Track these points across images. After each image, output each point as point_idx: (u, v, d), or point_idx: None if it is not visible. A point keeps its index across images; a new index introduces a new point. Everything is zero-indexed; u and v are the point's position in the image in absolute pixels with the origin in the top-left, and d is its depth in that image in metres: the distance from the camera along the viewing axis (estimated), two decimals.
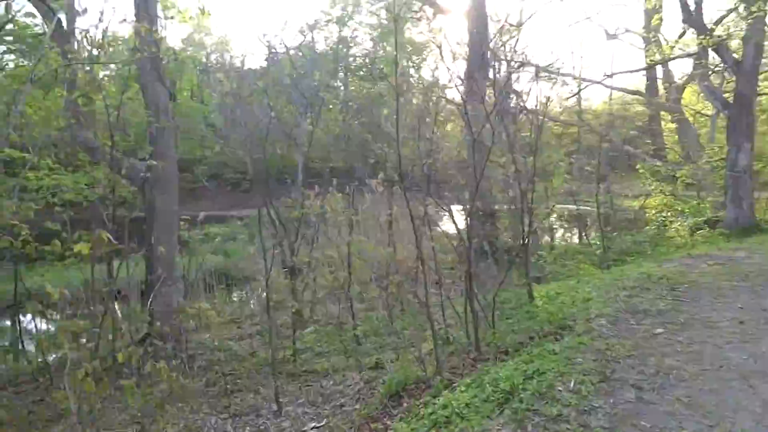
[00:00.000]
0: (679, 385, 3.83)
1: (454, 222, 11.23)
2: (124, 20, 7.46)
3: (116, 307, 8.14)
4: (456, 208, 13.76)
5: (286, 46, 26.17)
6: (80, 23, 8.83)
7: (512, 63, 14.45)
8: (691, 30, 16.64)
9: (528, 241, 7.31)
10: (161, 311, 7.77)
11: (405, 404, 4.70)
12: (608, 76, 18.79)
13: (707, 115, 23.45)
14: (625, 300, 5.85)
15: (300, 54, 27.18)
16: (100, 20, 7.05)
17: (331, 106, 24.05)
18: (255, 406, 6.00)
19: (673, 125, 23.10)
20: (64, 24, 8.12)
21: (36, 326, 10.64)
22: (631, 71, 21.20)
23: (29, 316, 10.65)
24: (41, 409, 6.53)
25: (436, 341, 4.99)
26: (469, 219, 12.84)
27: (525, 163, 8.83)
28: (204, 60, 31.15)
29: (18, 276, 7.08)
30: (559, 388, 3.78)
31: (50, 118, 7.32)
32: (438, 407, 4.01)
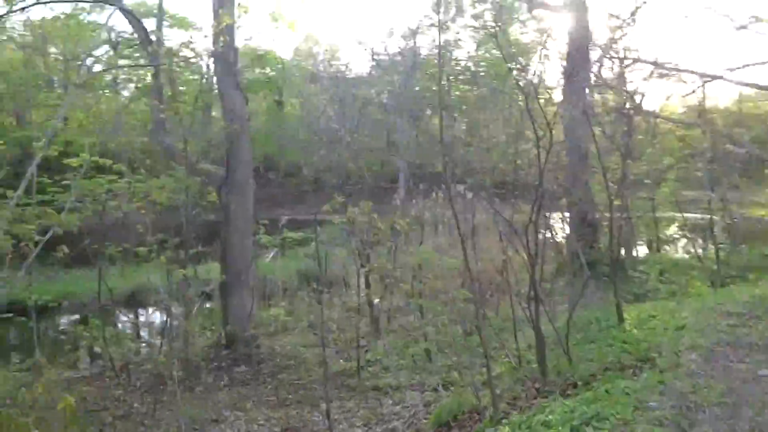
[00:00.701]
0: None
1: (551, 232, 10.47)
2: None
3: (194, 309, 8.34)
4: (556, 216, 12.88)
5: (389, 52, 26.22)
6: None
7: (622, 60, 13.29)
8: None
9: (619, 253, 6.48)
10: (235, 315, 7.81)
11: None
12: (732, 70, 16.73)
13: None
14: (728, 330, 4.92)
15: (403, 59, 27.10)
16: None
17: (429, 112, 23.68)
18: (310, 420, 5.78)
19: None
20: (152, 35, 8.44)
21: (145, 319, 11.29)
22: (763, 63, 18.76)
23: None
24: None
25: (489, 367, 4.45)
26: (566, 228, 11.95)
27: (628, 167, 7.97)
28: (312, 69, 31.98)
29: (101, 276, 7.39)
30: None
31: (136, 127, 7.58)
32: None
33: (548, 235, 10.27)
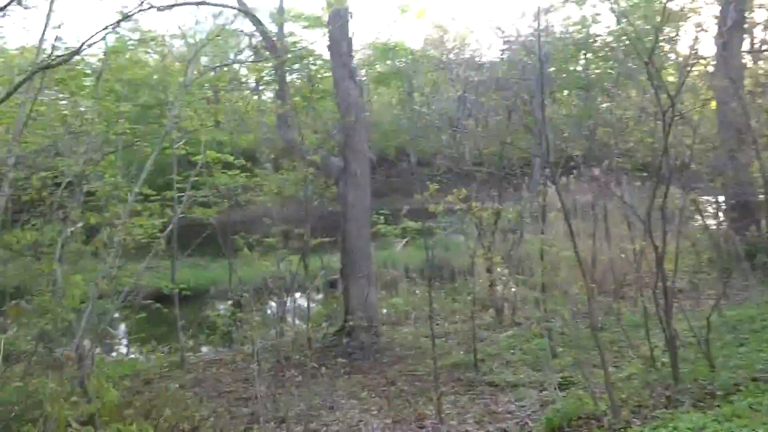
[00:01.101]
0: None
1: (701, 217, 9.37)
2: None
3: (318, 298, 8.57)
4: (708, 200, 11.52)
5: (520, 34, 25.15)
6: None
7: None
8: None
9: None
10: (354, 304, 7.90)
11: None
12: None
13: None
14: None
15: (535, 40, 25.89)
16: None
17: (566, 92, 22.36)
18: (422, 414, 5.65)
19: None
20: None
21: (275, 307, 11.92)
22: None
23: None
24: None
25: (606, 370, 4.00)
26: (721, 214, 10.62)
27: None
28: (443, 57, 31.68)
29: (231, 267, 7.84)
30: None
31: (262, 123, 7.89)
32: None
33: (701, 221, 9.20)
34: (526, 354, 7.05)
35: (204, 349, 9.04)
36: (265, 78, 9.09)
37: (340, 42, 8.06)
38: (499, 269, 8.83)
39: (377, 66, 29.81)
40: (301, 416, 5.86)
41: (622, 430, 3.68)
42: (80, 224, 6.14)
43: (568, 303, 6.69)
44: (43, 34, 5.07)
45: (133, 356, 8.76)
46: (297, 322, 8.33)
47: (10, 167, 4.65)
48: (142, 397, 5.46)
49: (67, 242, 5.80)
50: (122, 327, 10.53)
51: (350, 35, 8.22)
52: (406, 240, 13.42)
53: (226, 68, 9.40)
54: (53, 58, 4.05)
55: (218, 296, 11.80)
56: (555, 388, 4.97)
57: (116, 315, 8.63)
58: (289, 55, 7.50)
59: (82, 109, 8.13)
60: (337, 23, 7.85)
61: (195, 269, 12.64)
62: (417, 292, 10.62)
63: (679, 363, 4.50)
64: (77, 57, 7.17)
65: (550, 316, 6.86)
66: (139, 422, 3.86)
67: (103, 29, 4.00)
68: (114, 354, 8.68)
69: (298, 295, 8.34)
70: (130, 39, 11.60)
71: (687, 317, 4.95)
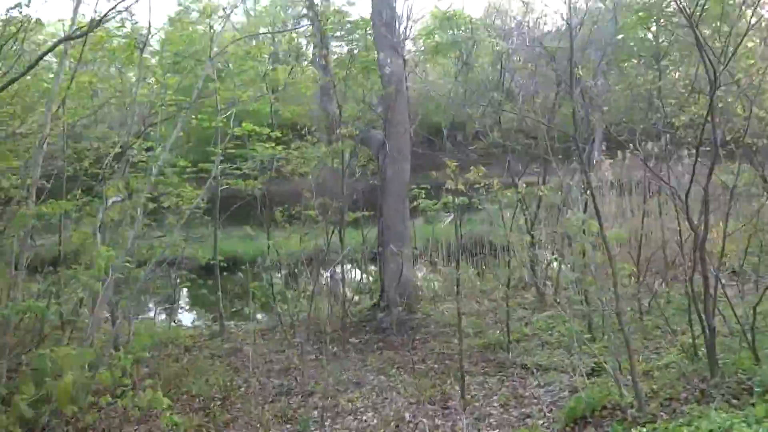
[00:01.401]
0: None
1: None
2: None
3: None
4: None
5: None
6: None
7: None
8: None
9: None
10: (390, 279, 7.83)
11: None
12: None
13: None
14: None
15: (602, 6, 24.62)
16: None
17: (634, 60, 21.18)
18: (447, 393, 5.55)
19: None
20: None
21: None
22: None
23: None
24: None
25: (632, 358, 3.75)
26: None
27: None
28: (505, 26, 30.67)
29: (269, 237, 7.92)
30: None
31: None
32: None
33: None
34: (563, 336, 6.79)
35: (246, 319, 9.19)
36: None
37: (381, 11, 7.84)
38: (538, 247, 8.52)
39: (436, 36, 29.21)
40: (327, 391, 5.87)
41: (646, 424, 3.44)
42: (120, 197, 6.32)
43: (608, 284, 6.34)
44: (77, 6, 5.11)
45: (180, 323, 9.07)
46: (338, 294, 8.31)
47: (43, 139, 4.75)
48: (168, 368, 5.59)
49: (105, 214, 5.98)
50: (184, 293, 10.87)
51: (393, 4, 7.99)
52: (451, 215, 13.20)
53: (278, 37, 9.35)
54: (77, 29, 4.06)
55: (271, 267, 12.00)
56: (582, 375, 4.72)
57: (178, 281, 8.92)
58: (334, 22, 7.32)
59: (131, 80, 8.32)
60: None
61: (245, 240, 12.86)
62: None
63: (719, 354, 4.19)
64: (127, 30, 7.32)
65: (589, 297, 6.54)
66: (156, 392, 3.92)
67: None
68: (161, 319, 8.93)
69: (338, 268, 8.32)
70: (193, 10, 11.67)
71: (731, 304, 4.59)
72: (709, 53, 3.61)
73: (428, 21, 30.02)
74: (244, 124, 7.20)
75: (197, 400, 5.46)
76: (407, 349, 7.02)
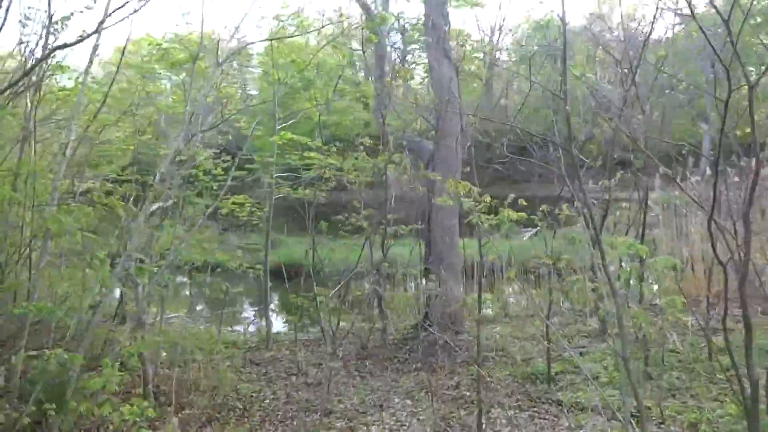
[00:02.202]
0: None
1: None
2: None
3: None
4: None
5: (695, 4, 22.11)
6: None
7: None
8: None
9: None
10: (434, 298, 7.47)
11: None
12: None
13: None
14: None
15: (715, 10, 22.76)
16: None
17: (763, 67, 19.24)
18: (467, 426, 5.12)
19: None
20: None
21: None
22: None
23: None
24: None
25: (641, 410, 3.19)
26: None
27: None
28: (605, 33, 29.19)
29: (315, 248, 7.87)
30: None
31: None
32: None
33: None
34: (616, 371, 6.09)
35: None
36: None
37: (434, 18, 7.57)
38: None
39: (531, 45, 28.33)
40: (347, 411, 5.63)
41: None
42: (159, 204, 6.52)
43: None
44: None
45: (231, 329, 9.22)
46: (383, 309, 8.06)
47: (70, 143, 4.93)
48: (183, 376, 5.59)
49: (147, 219, 6.17)
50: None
51: (446, 10, 7.69)
52: (536, 230, 12.52)
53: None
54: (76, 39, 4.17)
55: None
56: (620, 419, 4.14)
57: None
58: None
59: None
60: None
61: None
62: (523, 289, 9.78)
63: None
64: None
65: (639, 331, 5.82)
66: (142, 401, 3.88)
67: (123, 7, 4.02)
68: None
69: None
70: (291, 24, 12.24)
71: None
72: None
73: (525, 29, 29.15)
74: (282, 133, 7.21)
75: (208, 410, 5.41)
76: (446, 372, 6.62)
